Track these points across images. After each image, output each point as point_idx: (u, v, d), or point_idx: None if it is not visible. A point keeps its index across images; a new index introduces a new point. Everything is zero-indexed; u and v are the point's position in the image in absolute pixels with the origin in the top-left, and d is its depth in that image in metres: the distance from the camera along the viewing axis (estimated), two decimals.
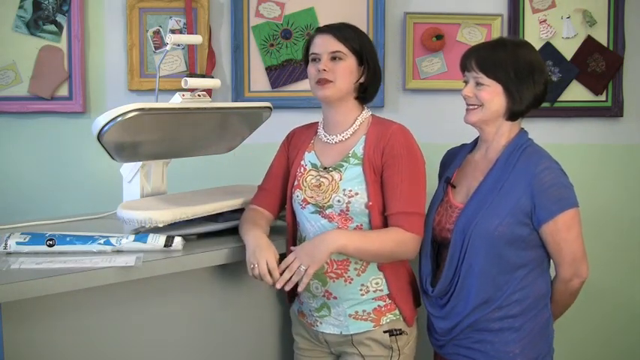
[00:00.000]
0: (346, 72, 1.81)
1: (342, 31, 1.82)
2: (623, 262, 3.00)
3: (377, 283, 1.81)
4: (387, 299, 1.82)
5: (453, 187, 1.87)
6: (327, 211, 1.80)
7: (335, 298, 1.81)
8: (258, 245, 1.74)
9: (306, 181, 1.85)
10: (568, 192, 1.72)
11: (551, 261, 1.80)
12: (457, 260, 1.77)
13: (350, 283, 1.80)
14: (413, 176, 1.77)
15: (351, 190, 1.78)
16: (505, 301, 1.74)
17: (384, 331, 1.81)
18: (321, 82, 1.80)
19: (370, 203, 1.76)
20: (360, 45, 1.82)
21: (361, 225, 1.79)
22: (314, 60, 1.83)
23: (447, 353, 1.87)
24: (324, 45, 1.81)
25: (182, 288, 1.81)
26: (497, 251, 1.73)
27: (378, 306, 1.82)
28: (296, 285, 1.90)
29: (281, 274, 1.69)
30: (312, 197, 1.82)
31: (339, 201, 1.78)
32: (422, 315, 1.92)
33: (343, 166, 1.81)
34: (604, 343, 3.01)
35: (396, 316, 1.82)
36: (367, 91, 1.87)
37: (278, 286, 1.69)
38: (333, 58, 1.80)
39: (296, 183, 1.88)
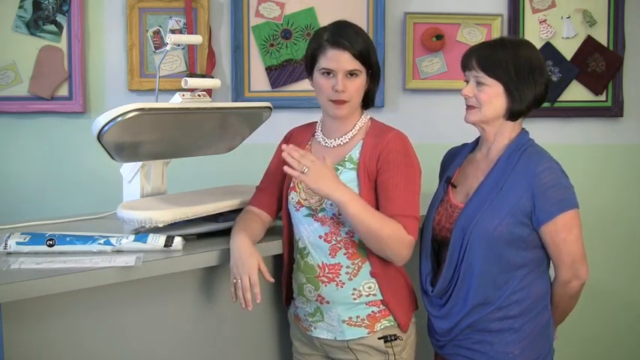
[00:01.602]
0: (360, 88, 1.79)
1: (356, 46, 1.75)
2: (625, 262, 3.00)
3: (370, 287, 1.79)
4: (381, 305, 1.80)
5: (454, 186, 1.87)
6: (320, 215, 1.79)
7: (328, 302, 1.80)
8: (240, 257, 1.72)
9: (301, 183, 1.84)
10: (568, 193, 1.72)
11: (551, 263, 1.80)
12: (457, 260, 1.77)
13: (342, 287, 1.78)
14: (408, 182, 1.75)
15: None
16: (505, 301, 1.74)
17: (379, 338, 1.80)
18: (338, 102, 1.78)
19: None
20: (370, 54, 1.78)
21: (353, 230, 1.78)
22: (327, 74, 1.77)
23: (447, 354, 1.87)
24: (340, 62, 1.75)
25: (182, 288, 1.81)
26: (496, 251, 1.73)
27: (372, 312, 1.80)
28: (293, 289, 1.90)
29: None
30: (305, 200, 1.82)
31: (331, 205, 1.76)
32: (422, 316, 1.92)
33: (338, 169, 1.79)
34: (607, 343, 3.01)
35: (390, 322, 1.81)
36: (371, 96, 1.86)
37: (251, 304, 1.71)
38: (348, 75, 1.76)
39: (291, 185, 1.87)
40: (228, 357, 1.93)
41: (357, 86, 1.78)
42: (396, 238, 1.71)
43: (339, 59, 1.75)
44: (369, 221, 1.69)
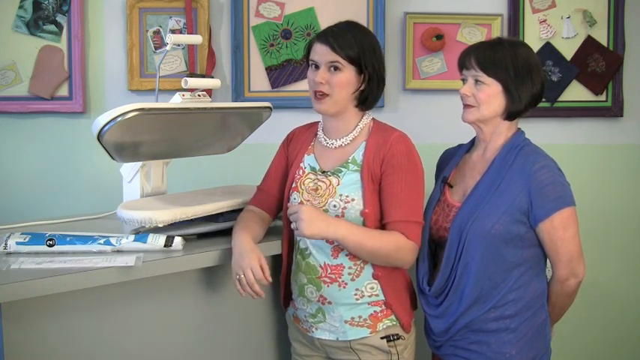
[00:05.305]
0: (343, 84, 1.77)
1: (340, 40, 1.76)
2: (625, 262, 2.99)
3: (372, 288, 1.80)
4: (383, 305, 1.81)
5: (450, 186, 1.87)
6: None
7: (330, 303, 1.80)
8: (240, 253, 1.73)
9: (303, 184, 1.84)
10: (565, 190, 1.73)
11: (548, 262, 1.80)
12: (454, 259, 1.77)
13: (344, 287, 1.79)
14: (412, 186, 1.76)
15: (347, 196, 1.77)
16: (501, 300, 1.75)
17: (382, 337, 1.80)
18: (317, 95, 1.78)
19: (366, 211, 1.75)
20: (360, 53, 1.76)
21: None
22: (314, 67, 1.80)
23: (444, 354, 1.87)
24: (322, 54, 1.77)
25: (182, 288, 1.81)
26: (494, 249, 1.73)
27: (374, 312, 1.80)
28: (292, 290, 1.90)
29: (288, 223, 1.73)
30: (308, 200, 1.81)
31: (334, 206, 1.77)
32: (420, 317, 1.92)
33: (342, 171, 1.80)
34: (609, 344, 3.00)
35: (392, 322, 1.81)
36: (367, 99, 1.83)
37: (262, 292, 1.71)
38: (331, 68, 1.77)
39: (294, 185, 1.87)
40: (228, 357, 1.93)
41: (339, 80, 1.77)
42: (399, 249, 1.73)
43: (321, 51, 1.78)
44: (369, 245, 1.71)
